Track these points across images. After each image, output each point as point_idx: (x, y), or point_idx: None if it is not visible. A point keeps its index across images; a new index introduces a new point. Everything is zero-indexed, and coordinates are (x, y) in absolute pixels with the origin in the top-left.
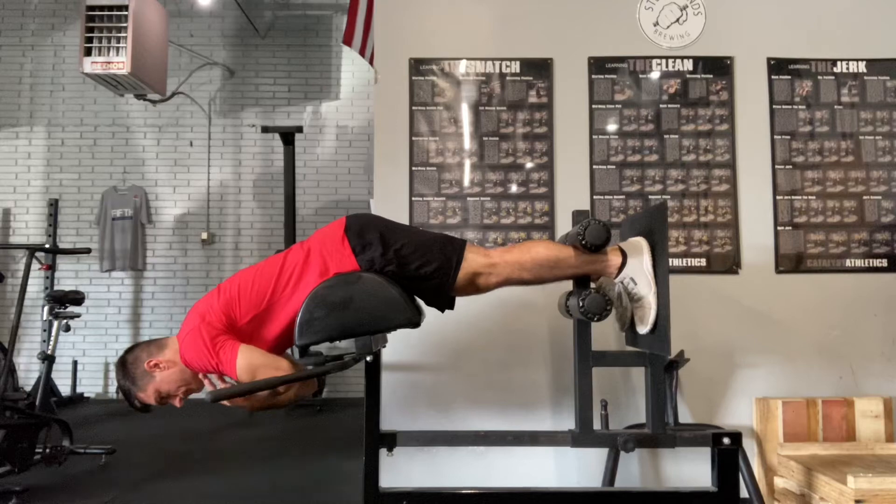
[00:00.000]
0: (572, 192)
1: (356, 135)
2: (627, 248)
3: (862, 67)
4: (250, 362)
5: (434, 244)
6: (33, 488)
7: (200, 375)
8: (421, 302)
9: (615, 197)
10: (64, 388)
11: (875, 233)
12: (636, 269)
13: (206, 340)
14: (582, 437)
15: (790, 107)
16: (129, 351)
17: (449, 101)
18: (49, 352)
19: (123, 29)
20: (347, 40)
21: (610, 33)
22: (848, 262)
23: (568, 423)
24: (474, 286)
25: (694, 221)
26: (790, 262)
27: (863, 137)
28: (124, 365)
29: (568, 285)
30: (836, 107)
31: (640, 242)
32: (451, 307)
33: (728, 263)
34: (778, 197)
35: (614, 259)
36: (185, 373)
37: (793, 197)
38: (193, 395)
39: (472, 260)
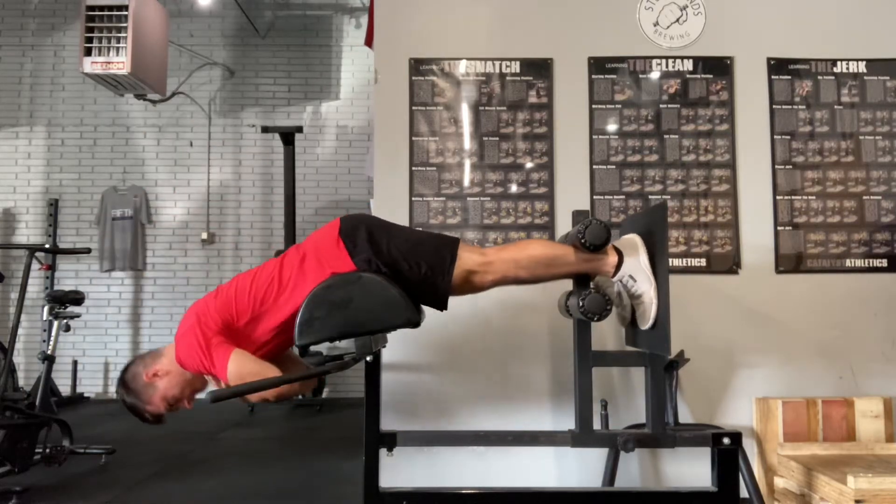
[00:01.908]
0: (572, 192)
1: (356, 135)
2: (622, 246)
3: (862, 67)
4: (240, 369)
5: (427, 243)
6: (33, 488)
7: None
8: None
9: (615, 197)
10: (64, 388)
11: (875, 233)
12: (634, 267)
13: (200, 341)
14: (582, 437)
15: (790, 107)
16: (125, 370)
17: (449, 101)
18: (49, 352)
19: (123, 29)
20: (369, 42)
21: (610, 33)
22: (848, 262)
23: (568, 423)
24: (470, 284)
25: (694, 221)
26: (790, 262)
27: (863, 137)
28: (125, 384)
29: (568, 285)
30: (836, 107)
31: (635, 239)
32: (444, 308)
33: (728, 263)
34: (778, 197)
35: (610, 258)
36: (186, 374)
37: (793, 197)
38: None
39: (467, 258)
